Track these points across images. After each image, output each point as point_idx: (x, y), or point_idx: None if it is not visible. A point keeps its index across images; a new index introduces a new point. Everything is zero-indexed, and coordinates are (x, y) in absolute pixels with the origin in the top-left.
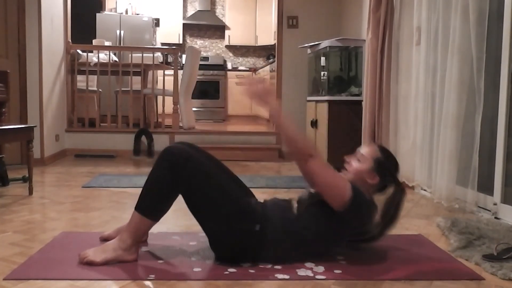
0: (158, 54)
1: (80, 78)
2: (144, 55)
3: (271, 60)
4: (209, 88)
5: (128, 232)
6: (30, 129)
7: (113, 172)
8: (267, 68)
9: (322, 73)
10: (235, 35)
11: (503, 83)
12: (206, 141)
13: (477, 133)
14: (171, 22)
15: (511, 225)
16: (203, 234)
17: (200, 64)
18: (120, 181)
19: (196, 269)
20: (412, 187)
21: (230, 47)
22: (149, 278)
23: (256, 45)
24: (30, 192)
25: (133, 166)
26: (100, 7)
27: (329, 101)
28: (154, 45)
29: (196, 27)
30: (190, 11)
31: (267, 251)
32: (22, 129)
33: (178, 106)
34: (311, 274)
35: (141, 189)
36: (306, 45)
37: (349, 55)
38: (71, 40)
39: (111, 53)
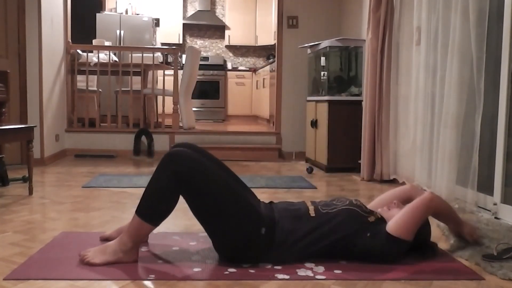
0: (158, 54)
1: (80, 78)
2: (144, 55)
3: (271, 60)
4: (209, 88)
5: (129, 235)
6: (30, 129)
7: (113, 172)
8: (267, 68)
9: (322, 73)
10: (235, 35)
11: (503, 83)
12: (206, 141)
13: (477, 133)
14: (171, 22)
15: (511, 225)
16: (203, 234)
17: (200, 64)
18: (120, 181)
19: (196, 269)
20: None
21: (230, 47)
22: (149, 278)
23: (256, 45)
24: (30, 192)
25: (133, 166)
26: (100, 7)
27: (329, 101)
28: (154, 45)
29: (196, 27)
30: (190, 11)
31: (273, 253)
32: (22, 129)
33: (178, 106)
34: (311, 274)
35: (141, 189)
36: (306, 45)
37: (349, 55)
38: (71, 40)
39: (111, 53)
